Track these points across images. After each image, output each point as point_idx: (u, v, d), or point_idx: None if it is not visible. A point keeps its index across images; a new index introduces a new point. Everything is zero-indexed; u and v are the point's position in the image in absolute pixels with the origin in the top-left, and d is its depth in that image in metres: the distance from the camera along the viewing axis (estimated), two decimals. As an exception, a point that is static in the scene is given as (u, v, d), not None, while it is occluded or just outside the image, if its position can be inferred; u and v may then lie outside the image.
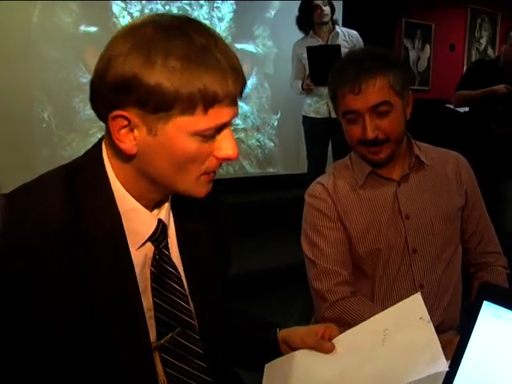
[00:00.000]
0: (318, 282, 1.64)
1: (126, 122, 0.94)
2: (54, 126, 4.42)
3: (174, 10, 4.89)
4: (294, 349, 1.24)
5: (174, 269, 1.10)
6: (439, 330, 1.09)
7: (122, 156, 1.00)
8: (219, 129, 0.98)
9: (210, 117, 0.94)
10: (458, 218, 1.71)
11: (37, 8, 4.24)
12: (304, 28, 4.60)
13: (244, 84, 0.99)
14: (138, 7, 4.72)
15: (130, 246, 1.03)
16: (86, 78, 4.42)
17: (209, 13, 5.13)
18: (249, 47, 5.33)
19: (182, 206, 1.13)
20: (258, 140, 5.50)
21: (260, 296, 3.52)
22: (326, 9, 4.46)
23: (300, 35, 4.66)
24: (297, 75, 4.63)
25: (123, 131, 0.95)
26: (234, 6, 5.25)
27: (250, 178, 5.29)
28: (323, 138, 4.63)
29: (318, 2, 4.44)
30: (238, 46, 5.18)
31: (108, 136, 1.01)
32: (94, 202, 1.00)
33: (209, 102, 0.93)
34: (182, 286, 1.11)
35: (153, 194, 1.05)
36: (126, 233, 1.02)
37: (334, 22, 4.62)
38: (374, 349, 1.13)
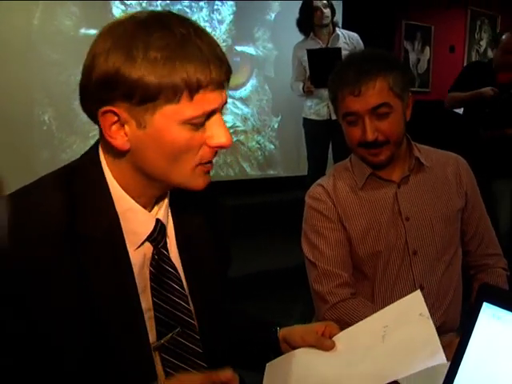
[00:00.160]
0: (318, 283, 1.64)
1: (115, 118, 0.95)
2: (55, 129, 4.43)
3: (174, 13, 4.90)
4: (294, 347, 1.24)
5: (173, 269, 1.10)
6: (439, 331, 1.09)
7: (116, 153, 1.00)
8: (208, 116, 0.98)
9: (196, 103, 0.94)
10: (457, 220, 1.71)
11: (37, 11, 4.25)
12: (304, 30, 4.60)
13: (228, 70, 0.99)
14: (139, 9, 4.72)
15: (128, 246, 1.03)
16: (86, 81, 4.43)
17: (209, 15, 5.13)
18: (249, 49, 5.33)
19: (181, 205, 1.13)
20: (258, 142, 5.50)
21: (260, 298, 3.52)
22: (327, 11, 4.46)
23: (300, 37, 4.66)
24: (297, 77, 4.63)
25: (114, 127, 0.96)
26: (234, 9, 5.26)
27: (250, 180, 5.30)
28: (323, 140, 4.63)
29: (319, 4, 4.44)
30: (238, 48, 5.19)
31: (102, 136, 1.01)
32: (91, 202, 1.00)
33: (193, 89, 0.93)
34: (182, 286, 1.11)
35: (150, 190, 1.05)
36: (124, 233, 1.03)
37: (335, 24, 4.63)
38: (374, 345, 1.14)
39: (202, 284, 1.15)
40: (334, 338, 1.21)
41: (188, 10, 5.00)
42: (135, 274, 1.04)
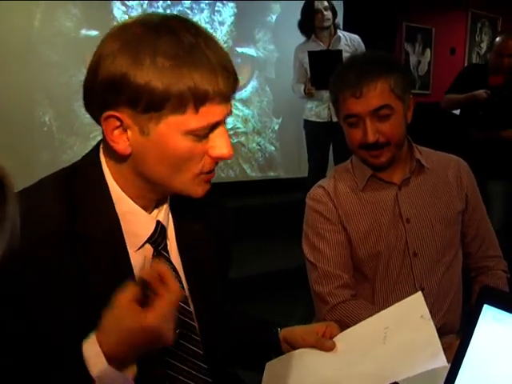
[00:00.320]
0: (319, 285, 1.64)
1: (118, 123, 0.95)
2: (55, 130, 4.43)
3: (175, 14, 4.90)
4: (294, 348, 1.24)
5: (174, 270, 1.10)
6: (439, 333, 1.09)
7: (117, 157, 1.00)
8: (212, 127, 0.98)
9: (201, 115, 0.94)
10: (458, 222, 1.71)
11: (38, 12, 4.25)
12: (306, 32, 4.61)
13: (236, 82, 0.98)
14: (139, 11, 4.73)
15: (128, 247, 1.03)
16: (87, 82, 4.43)
17: (210, 16, 5.14)
18: (250, 51, 5.34)
19: (182, 207, 1.13)
20: (258, 144, 5.50)
21: (261, 299, 3.52)
22: (328, 13, 4.46)
23: (301, 39, 4.67)
24: (299, 79, 4.63)
25: (116, 132, 0.96)
26: (235, 10, 5.26)
27: (250, 182, 5.30)
28: (324, 142, 4.63)
29: (320, 7, 4.44)
30: (239, 49, 5.19)
31: (104, 138, 1.01)
32: (91, 203, 1.00)
33: (199, 100, 0.93)
34: (182, 287, 1.11)
35: (150, 193, 1.05)
36: (125, 234, 1.03)
37: (336, 26, 4.63)
38: (374, 346, 1.13)
39: (203, 285, 1.15)
40: (335, 339, 1.21)
41: (189, 12, 5.01)
42: (135, 276, 1.04)
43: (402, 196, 1.66)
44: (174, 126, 0.94)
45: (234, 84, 0.98)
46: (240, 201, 4.36)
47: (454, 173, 1.73)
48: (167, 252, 1.11)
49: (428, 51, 6.99)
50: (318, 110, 4.57)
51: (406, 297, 1.20)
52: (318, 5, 4.44)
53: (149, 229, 1.07)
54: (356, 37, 4.63)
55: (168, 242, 1.11)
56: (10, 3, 4.00)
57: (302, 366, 1.18)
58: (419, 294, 1.17)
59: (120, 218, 1.03)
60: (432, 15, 6.78)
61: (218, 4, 5.19)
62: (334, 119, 4.26)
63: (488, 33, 7.56)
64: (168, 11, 4.86)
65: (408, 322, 1.14)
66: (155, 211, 1.09)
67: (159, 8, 4.84)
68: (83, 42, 4.43)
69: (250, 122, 5.40)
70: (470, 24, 7.41)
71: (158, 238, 1.08)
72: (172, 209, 1.13)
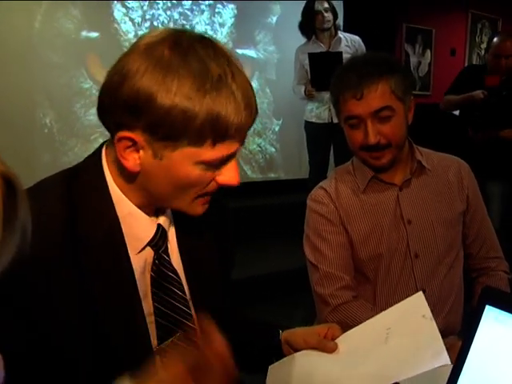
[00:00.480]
0: (320, 286, 1.64)
1: (131, 143, 0.94)
2: (56, 132, 4.43)
3: (176, 16, 4.91)
4: (296, 350, 1.24)
5: (174, 273, 1.10)
6: (441, 334, 1.09)
7: (124, 171, 1.00)
8: (225, 160, 0.98)
9: (217, 149, 0.94)
10: (459, 223, 1.71)
11: (38, 13, 4.26)
12: (306, 33, 4.61)
13: (256, 115, 0.99)
14: (140, 13, 4.74)
15: (129, 250, 1.03)
16: (87, 84, 4.44)
17: (210, 18, 5.14)
18: (250, 52, 5.34)
19: None
20: (259, 145, 5.50)
21: (261, 301, 3.51)
22: (328, 15, 4.46)
23: (302, 40, 4.67)
24: (299, 80, 4.64)
25: (128, 150, 0.95)
26: (235, 12, 5.27)
27: (251, 183, 5.29)
28: (325, 143, 4.63)
29: (320, 8, 4.44)
30: (239, 51, 5.19)
31: (111, 147, 1.01)
32: (92, 205, 1.00)
33: (219, 136, 0.93)
34: (183, 291, 1.11)
35: (150, 203, 1.06)
36: (126, 237, 1.03)
37: (337, 28, 4.63)
38: (376, 347, 1.13)
39: (203, 288, 1.15)
40: (337, 340, 1.21)
41: (189, 13, 5.01)
42: (136, 279, 1.04)
43: (403, 197, 1.66)
44: (189, 157, 0.94)
45: (254, 120, 0.98)
46: (240, 202, 4.34)
47: (455, 174, 1.73)
48: (168, 255, 1.10)
49: (428, 52, 6.99)
50: (319, 111, 4.57)
51: (405, 299, 1.20)
52: (318, 6, 4.44)
53: (150, 232, 1.07)
54: (357, 38, 4.63)
55: (169, 245, 1.11)
56: (10, 4, 4.00)
57: (304, 367, 1.18)
58: (420, 293, 1.17)
59: (121, 220, 1.02)
60: (432, 16, 6.79)
61: (219, 5, 5.19)
62: (335, 120, 4.26)
63: (488, 34, 7.56)
64: (168, 13, 4.87)
65: (410, 321, 1.14)
66: (156, 214, 1.09)
67: (159, 9, 4.84)
68: (84, 44, 4.44)
69: (251, 123, 5.39)
70: (470, 25, 7.42)
71: (158, 241, 1.08)
72: (174, 212, 1.13)
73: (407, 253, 1.64)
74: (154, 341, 1.07)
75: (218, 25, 5.16)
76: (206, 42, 0.95)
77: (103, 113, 0.98)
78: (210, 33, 4.86)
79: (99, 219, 1.00)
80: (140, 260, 1.06)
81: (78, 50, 4.41)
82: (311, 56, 4.36)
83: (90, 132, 4.42)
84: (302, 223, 1.74)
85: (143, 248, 1.06)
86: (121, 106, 0.92)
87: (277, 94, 5.47)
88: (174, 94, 0.89)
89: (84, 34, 4.46)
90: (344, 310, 1.59)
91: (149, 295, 1.07)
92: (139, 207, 1.05)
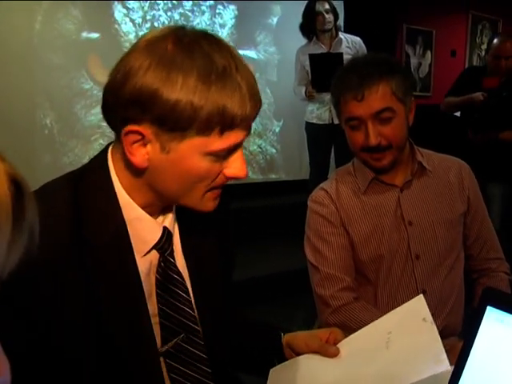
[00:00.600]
0: (321, 287, 1.64)
1: (139, 137, 0.94)
2: (56, 133, 4.43)
3: (176, 17, 4.91)
4: (297, 353, 1.24)
5: (179, 275, 1.10)
6: (441, 335, 1.09)
7: (131, 168, 1.00)
8: (232, 149, 0.98)
9: (224, 138, 0.94)
10: (460, 224, 1.71)
11: (39, 14, 4.26)
12: (307, 34, 4.61)
13: (260, 106, 0.99)
14: (140, 13, 4.73)
15: (135, 253, 1.03)
16: (88, 85, 4.44)
17: (210, 19, 5.14)
18: (250, 53, 5.34)
19: (187, 212, 1.13)
20: (259, 146, 5.50)
21: (262, 302, 3.51)
22: (329, 16, 4.45)
23: (302, 41, 4.67)
24: (300, 81, 4.63)
25: (135, 145, 0.95)
26: (236, 13, 5.27)
27: (251, 184, 5.29)
28: (325, 144, 4.63)
29: (321, 10, 4.44)
30: (240, 52, 5.15)
31: (117, 146, 1.01)
32: (98, 208, 1.00)
33: (226, 125, 0.93)
34: (187, 292, 1.11)
35: (158, 202, 1.06)
36: (132, 240, 1.03)
37: (338, 29, 4.63)
38: (378, 352, 1.13)
39: (207, 290, 1.15)
40: (339, 345, 1.21)
41: (190, 14, 5.01)
42: (142, 281, 1.04)
43: (404, 198, 1.66)
44: (196, 147, 0.94)
45: (259, 110, 0.99)
46: (241, 203, 4.35)
47: (456, 175, 1.73)
48: (173, 257, 1.10)
49: (429, 53, 6.99)
50: (319, 112, 4.57)
51: (408, 299, 1.20)
52: (319, 7, 4.44)
53: (156, 235, 1.06)
54: (357, 39, 4.63)
55: (174, 247, 1.11)
56: (10, 5, 4.00)
57: (306, 371, 1.18)
58: (421, 296, 1.17)
59: (127, 224, 1.02)
60: (432, 17, 6.79)
61: (219, 6, 5.19)
62: (336, 121, 4.27)
63: (488, 35, 7.55)
64: (169, 14, 4.87)
65: (410, 325, 1.14)
66: (161, 217, 1.09)
67: (160, 10, 4.84)
68: (84, 45, 4.44)
69: (251, 124, 5.39)
70: (470, 26, 7.42)
71: (164, 243, 1.07)
72: (177, 214, 1.13)
73: (408, 254, 1.64)
74: (158, 342, 1.07)
75: (218, 26, 5.16)
76: (208, 37, 0.96)
77: (108, 111, 0.98)
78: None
79: (106, 222, 1.00)
80: (145, 262, 1.06)
81: (78, 51, 4.41)
82: (312, 57, 4.36)
83: (90, 133, 4.42)
84: (303, 224, 1.74)
85: (149, 251, 1.06)
86: (126, 102, 0.92)
87: (277, 94, 5.47)
88: (180, 88, 0.89)
89: (84, 34, 4.46)
90: (345, 312, 1.59)
91: (153, 296, 1.07)
92: (145, 207, 1.04)
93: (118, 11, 4.65)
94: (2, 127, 4.02)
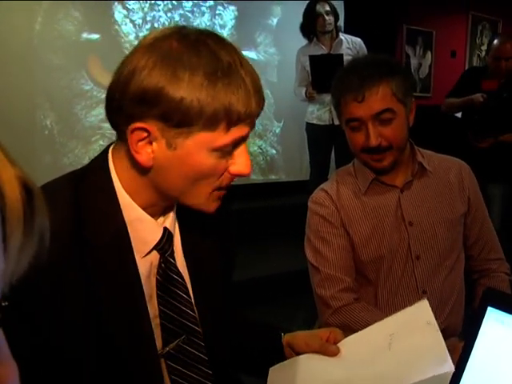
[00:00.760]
0: (321, 288, 1.64)
1: (145, 134, 0.94)
2: (56, 133, 4.43)
3: (177, 18, 4.91)
4: (298, 353, 1.24)
5: (180, 276, 1.10)
6: (442, 335, 1.09)
7: (136, 167, 1.00)
8: (236, 144, 0.98)
9: (230, 134, 0.95)
10: (460, 225, 1.71)
11: (39, 15, 4.26)
12: (307, 35, 4.61)
13: (264, 103, 1.00)
14: (140, 14, 4.73)
15: (135, 254, 1.03)
16: (88, 86, 4.43)
17: (210, 20, 5.14)
18: (250, 54, 5.33)
19: (187, 213, 1.13)
20: (259, 147, 5.50)
21: (262, 302, 3.51)
22: (329, 18, 4.45)
23: (302, 42, 4.67)
24: (301, 82, 4.63)
25: (141, 143, 0.95)
26: (236, 13, 5.27)
27: (252, 185, 5.29)
28: (326, 145, 4.63)
29: (321, 11, 4.43)
30: (240, 53, 5.19)
31: (120, 147, 1.01)
32: (99, 209, 1.00)
33: (232, 121, 0.93)
34: (188, 294, 1.11)
35: (160, 202, 1.05)
36: (132, 241, 1.02)
37: (338, 30, 4.62)
38: (379, 352, 1.13)
39: (208, 291, 1.15)
40: (339, 344, 1.21)
41: (190, 15, 5.01)
42: (142, 282, 1.04)
43: (405, 199, 1.66)
44: (203, 143, 0.94)
45: (263, 106, 1.00)
46: (241, 204, 4.34)
47: (456, 175, 1.73)
48: (174, 258, 1.10)
49: (429, 54, 6.99)
50: (320, 113, 4.57)
51: (409, 300, 1.20)
52: (319, 8, 4.43)
53: (156, 235, 1.06)
54: (358, 40, 4.62)
55: (174, 248, 1.11)
56: (10, 6, 4.00)
57: (306, 371, 1.18)
58: (425, 300, 1.17)
59: (128, 224, 1.02)
60: (433, 18, 6.79)
61: (219, 7, 5.19)
62: (336, 122, 4.26)
63: (488, 35, 7.56)
64: (169, 14, 4.87)
65: (414, 328, 1.13)
66: (162, 218, 1.09)
67: (160, 11, 4.84)
68: (84, 46, 4.43)
69: (251, 125, 5.39)
70: (470, 27, 7.42)
71: (165, 244, 1.07)
72: (177, 214, 1.13)
73: (408, 254, 1.64)
74: (159, 344, 1.07)
75: (218, 26, 5.16)
76: (212, 35, 0.97)
77: (112, 111, 0.98)
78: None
79: (106, 222, 1.00)
80: (146, 263, 1.06)
81: (78, 52, 4.40)
82: (312, 58, 4.36)
83: (90, 134, 4.42)
84: (303, 225, 1.74)
85: (149, 252, 1.06)
86: (131, 100, 0.92)
87: (277, 95, 5.47)
88: (186, 85, 0.90)
89: (84, 35, 4.45)
90: (345, 312, 1.59)
91: (154, 298, 1.07)
92: (147, 207, 1.04)
93: (118, 12, 4.65)
94: (1, 128, 4.02)
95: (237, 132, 0.96)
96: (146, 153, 0.96)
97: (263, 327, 1.38)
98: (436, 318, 1.12)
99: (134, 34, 4.66)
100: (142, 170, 0.99)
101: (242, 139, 0.99)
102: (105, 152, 1.06)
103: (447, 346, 1.05)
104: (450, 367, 0.97)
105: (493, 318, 0.84)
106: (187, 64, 0.90)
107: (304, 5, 4.61)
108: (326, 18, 4.44)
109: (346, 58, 4.15)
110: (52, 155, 4.40)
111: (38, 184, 1.02)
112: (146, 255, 1.05)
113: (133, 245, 1.03)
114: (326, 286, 1.63)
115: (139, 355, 1.02)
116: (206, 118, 0.91)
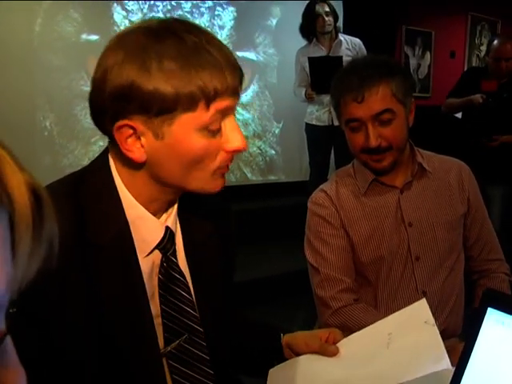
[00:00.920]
0: (321, 289, 1.64)
1: (131, 131, 0.94)
2: (56, 134, 4.43)
3: (176, 19, 4.90)
4: (297, 353, 1.24)
5: (182, 276, 1.10)
6: (441, 336, 1.10)
7: (132, 165, 1.00)
8: (222, 116, 0.98)
9: (211, 110, 0.95)
10: (460, 226, 1.71)
11: (39, 16, 4.26)
12: (307, 36, 4.61)
13: (242, 76, 1.00)
14: (140, 16, 4.74)
15: (137, 253, 1.03)
16: (87, 87, 4.35)
17: (210, 21, 5.14)
18: (250, 55, 5.34)
19: (189, 212, 1.13)
20: (259, 148, 5.50)
21: (262, 303, 3.51)
22: (329, 18, 4.45)
23: (302, 43, 4.67)
24: (300, 83, 4.63)
25: (130, 140, 0.95)
26: (235, 14, 5.26)
27: (251, 186, 5.29)
28: (325, 146, 4.64)
29: (321, 12, 4.43)
30: (239, 53, 5.19)
31: (114, 147, 1.01)
32: (101, 209, 1.00)
33: (210, 98, 0.93)
34: (189, 293, 1.11)
35: (163, 195, 1.05)
36: (134, 240, 1.03)
37: (337, 30, 4.63)
38: (378, 352, 1.13)
39: (209, 290, 1.15)
40: (338, 345, 1.21)
41: (189, 16, 5.01)
42: (144, 281, 1.04)
43: (404, 200, 1.66)
44: (187, 124, 0.94)
45: (240, 77, 0.99)
46: (241, 205, 4.34)
47: (456, 176, 1.73)
48: (176, 257, 1.10)
49: (428, 54, 6.99)
50: (319, 113, 4.57)
51: (409, 301, 1.21)
52: (319, 9, 4.44)
53: (158, 234, 1.06)
54: (357, 40, 4.62)
55: (176, 248, 1.11)
56: (10, 7, 4.00)
57: (305, 371, 1.18)
58: (423, 300, 1.17)
59: (130, 224, 1.02)
60: (432, 18, 6.79)
61: (218, 8, 5.20)
62: (335, 123, 4.26)
63: (488, 36, 7.56)
64: (168, 15, 4.87)
65: (412, 327, 1.14)
66: (164, 216, 1.09)
67: (159, 12, 4.85)
68: (84, 47, 4.43)
69: (251, 125, 5.40)
70: (469, 27, 7.42)
71: (167, 243, 1.07)
72: (179, 215, 1.12)
73: (408, 255, 1.64)
74: (161, 343, 1.07)
75: (217, 27, 5.16)
76: (174, 20, 0.98)
77: (96, 114, 0.99)
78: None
79: (108, 222, 1.00)
80: (148, 262, 1.06)
81: (78, 53, 4.40)
82: (311, 60, 4.36)
83: (90, 134, 4.42)
84: (303, 226, 1.74)
85: (151, 251, 1.06)
86: (109, 100, 0.93)
87: (277, 96, 5.47)
88: (156, 73, 0.90)
89: (84, 36, 4.46)
90: (345, 313, 1.59)
91: (156, 297, 1.07)
92: (148, 204, 1.04)
93: (118, 13, 4.65)
94: (1, 129, 4.01)
95: (218, 106, 0.95)
96: (136, 149, 0.96)
97: (263, 327, 1.38)
98: (436, 319, 1.13)
99: (133, 35, 4.66)
100: (137, 166, 1.00)
101: (226, 112, 0.98)
102: (105, 152, 1.06)
103: (447, 347, 1.05)
104: (447, 364, 0.97)
105: (493, 318, 0.84)
106: (153, 53, 0.91)
107: (303, 5, 4.61)
108: (326, 18, 4.44)
109: (346, 59, 4.14)
110: (52, 156, 4.40)
111: (39, 185, 1.02)
112: (148, 255, 1.05)
113: (135, 244, 1.03)
114: (326, 286, 1.63)
115: (141, 354, 1.02)
116: (184, 100, 0.92)
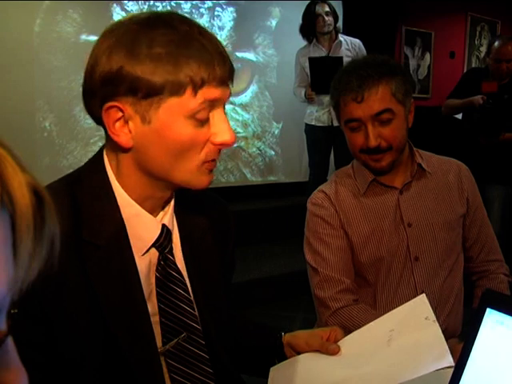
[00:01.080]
0: (320, 289, 1.64)
1: (119, 114, 0.95)
2: (56, 135, 4.43)
3: (175, 19, 4.91)
4: (298, 352, 1.24)
5: (179, 274, 1.10)
6: (441, 337, 1.10)
7: (120, 152, 1.01)
8: (211, 106, 0.98)
9: (199, 96, 0.95)
10: (459, 226, 1.71)
11: (38, 17, 4.26)
12: (307, 37, 4.61)
13: (232, 67, 1.00)
14: (139, 16, 4.74)
15: (134, 252, 1.03)
16: (87, 87, 4.43)
17: (209, 21, 5.14)
18: (249, 56, 5.34)
19: (186, 210, 1.13)
20: (258, 148, 5.50)
21: (262, 304, 3.52)
22: (329, 18, 4.45)
23: (301, 43, 4.67)
24: (300, 83, 4.64)
25: (118, 124, 0.96)
26: (235, 15, 5.27)
27: (251, 186, 5.29)
28: (325, 146, 4.64)
29: (321, 12, 4.44)
30: (239, 54, 5.19)
31: (106, 137, 1.02)
32: (97, 209, 1.00)
33: (197, 85, 0.94)
34: (187, 291, 1.11)
35: (155, 191, 1.05)
36: (130, 239, 1.03)
37: (337, 31, 4.63)
38: (379, 349, 1.13)
39: (207, 289, 1.15)
40: (339, 343, 1.21)
41: (189, 16, 5.00)
42: (141, 280, 1.04)
43: (404, 200, 1.66)
44: (174, 110, 0.95)
45: (230, 69, 0.99)
46: (240, 205, 4.35)
47: (455, 177, 1.73)
48: (173, 255, 1.10)
49: (427, 55, 6.99)
50: (319, 114, 4.57)
51: (408, 301, 1.20)
52: (319, 9, 4.44)
53: (154, 232, 1.06)
54: (357, 41, 4.63)
55: (173, 246, 1.11)
56: (10, 9, 4.01)
57: (306, 370, 1.18)
58: (423, 295, 1.17)
59: (126, 222, 1.02)
60: (431, 19, 6.79)
61: (218, 9, 5.20)
62: (335, 123, 4.27)
63: (487, 36, 7.56)
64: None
65: (412, 323, 1.14)
66: (160, 214, 1.09)
67: (159, 13, 4.84)
68: (83, 47, 4.42)
69: (250, 126, 5.39)
70: (469, 28, 7.42)
71: (163, 241, 1.07)
72: (176, 212, 1.12)
73: (407, 256, 1.64)
74: (159, 342, 1.07)
75: (217, 28, 5.16)
76: (166, 12, 1.00)
77: (87, 100, 1.00)
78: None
79: (105, 223, 1.00)
80: (145, 261, 1.06)
81: (77, 54, 4.40)
82: (311, 60, 4.36)
83: (89, 135, 4.42)
84: (302, 226, 1.74)
85: (148, 249, 1.06)
86: (98, 84, 0.95)
87: (276, 97, 5.47)
88: (144, 58, 0.91)
89: (84, 37, 4.46)
90: (344, 314, 1.59)
91: (153, 295, 1.07)
92: (144, 205, 1.04)
93: (117, 13, 4.66)
94: (1, 129, 4.02)
95: (205, 94, 0.95)
96: (123, 133, 0.97)
97: (262, 327, 1.38)
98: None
99: (132, 36, 4.66)
100: (124, 153, 1.00)
101: (215, 103, 0.98)
102: (99, 152, 1.07)
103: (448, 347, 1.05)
104: (449, 362, 0.97)
105: (492, 319, 0.84)
106: (143, 38, 0.92)
107: (303, 6, 4.61)
108: (326, 18, 4.44)
109: (346, 60, 4.15)
110: (51, 157, 4.41)
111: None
112: (144, 253, 1.06)
113: (131, 243, 1.03)
114: (325, 287, 1.62)
115: (139, 353, 1.02)
116: (171, 85, 0.93)
